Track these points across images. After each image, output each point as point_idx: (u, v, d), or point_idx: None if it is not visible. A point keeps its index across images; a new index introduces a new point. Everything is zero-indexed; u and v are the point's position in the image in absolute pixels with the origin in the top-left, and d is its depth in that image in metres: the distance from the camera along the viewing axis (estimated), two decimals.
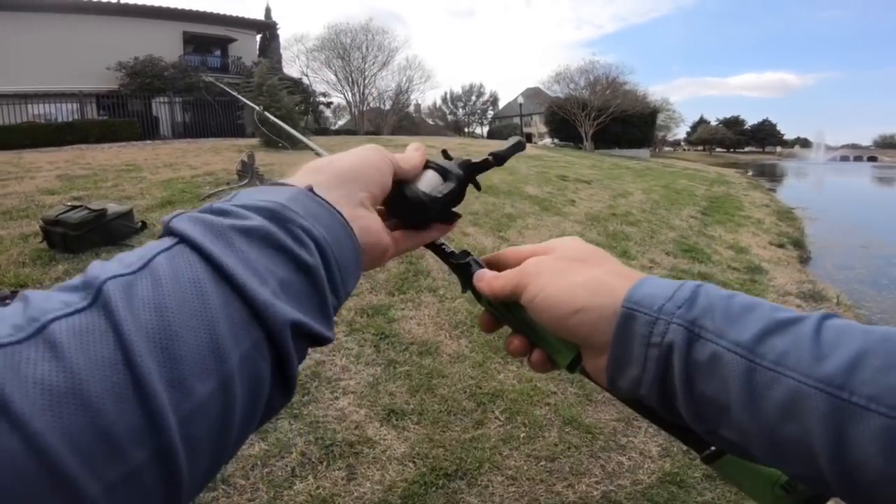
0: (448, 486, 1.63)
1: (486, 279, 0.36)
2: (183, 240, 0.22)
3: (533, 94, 38.16)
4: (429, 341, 2.47)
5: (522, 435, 1.88)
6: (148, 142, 12.63)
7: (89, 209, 3.35)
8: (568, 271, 0.32)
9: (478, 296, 0.38)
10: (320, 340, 0.24)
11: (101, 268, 0.20)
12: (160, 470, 0.18)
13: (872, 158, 63.67)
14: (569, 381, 2.21)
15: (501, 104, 45.80)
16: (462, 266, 0.39)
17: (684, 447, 1.83)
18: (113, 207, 3.54)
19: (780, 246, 5.99)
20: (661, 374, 0.26)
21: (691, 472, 1.73)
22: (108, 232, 3.41)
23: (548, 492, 1.64)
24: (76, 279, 0.20)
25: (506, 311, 0.36)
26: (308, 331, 0.23)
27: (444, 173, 0.39)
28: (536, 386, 2.18)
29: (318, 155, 0.42)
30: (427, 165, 0.39)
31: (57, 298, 0.19)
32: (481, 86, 47.88)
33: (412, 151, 0.39)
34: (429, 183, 0.38)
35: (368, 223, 0.31)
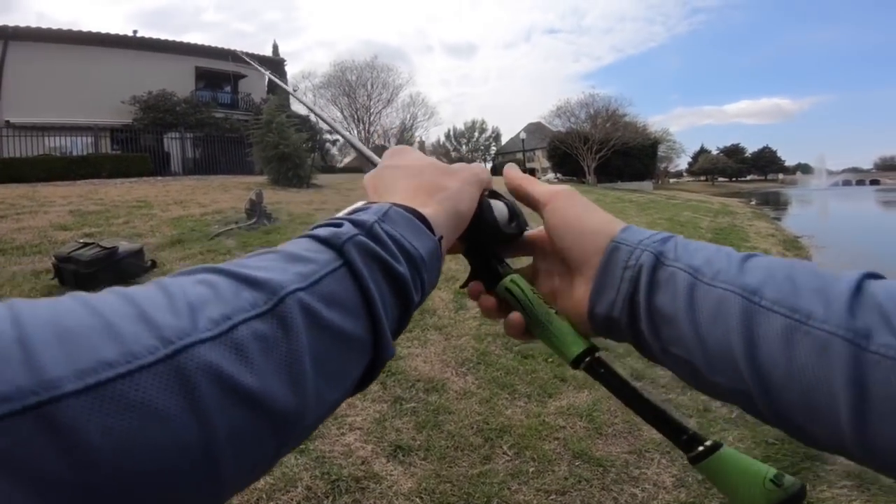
0: None
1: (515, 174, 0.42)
2: (347, 264, 0.25)
3: (535, 128, 38.80)
4: (435, 378, 2.47)
5: (531, 469, 1.85)
6: (159, 178, 12.75)
7: (101, 247, 3.42)
8: (592, 204, 0.37)
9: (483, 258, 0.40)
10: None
11: (283, 273, 0.23)
12: (278, 455, 0.21)
13: (875, 182, 63.54)
14: (578, 416, 2.19)
15: (504, 139, 46.64)
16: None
17: (699, 477, 1.78)
18: (124, 245, 3.61)
19: None
20: (631, 293, 0.31)
21: (707, 503, 1.69)
22: (119, 270, 3.46)
23: None
24: (258, 272, 0.22)
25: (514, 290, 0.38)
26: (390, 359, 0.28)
27: (512, 215, 0.41)
28: (545, 421, 2.16)
29: (372, 164, 0.44)
30: (497, 195, 0.42)
31: (244, 298, 0.21)
32: (483, 122, 48.82)
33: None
34: (500, 213, 0.40)
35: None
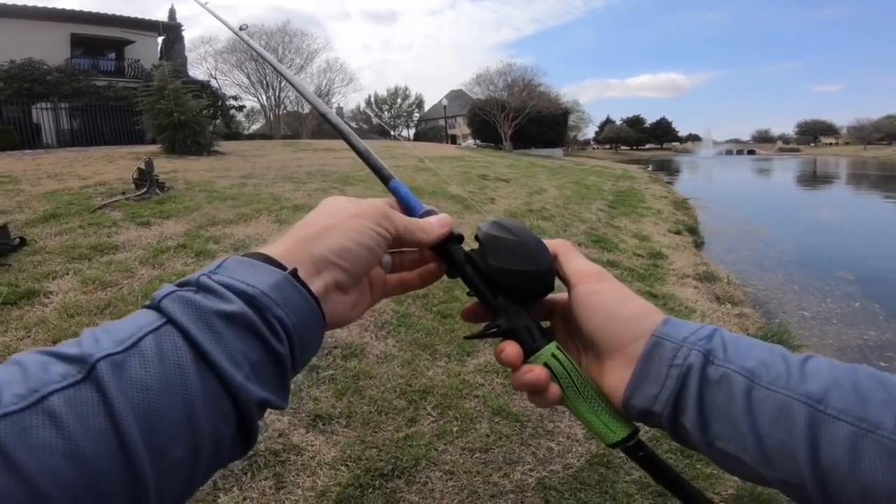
0: (386, 486, 1.60)
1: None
2: (171, 321, 0.25)
3: (456, 95, 38.71)
4: (353, 343, 2.41)
5: (455, 429, 1.89)
6: (27, 151, 11.25)
7: None
8: (626, 289, 0.37)
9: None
10: (278, 408, 0.28)
11: (95, 344, 0.23)
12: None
13: (751, 152, 72.22)
14: (494, 373, 2.26)
15: (427, 106, 45.95)
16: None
17: None
18: None
19: (678, 233, 6.56)
20: (678, 390, 0.32)
21: (617, 453, 1.79)
22: None
23: (485, 483, 1.65)
24: (70, 348, 0.23)
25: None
26: (270, 405, 0.28)
27: (551, 270, 0.38)
28: (465, 379, 2.20)
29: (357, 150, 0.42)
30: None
31: (54, 370, 0.22)
32: (406, 88, 47.32)
33: (436, 226, 0.39)
34: (549, 265, 0.38)
35: (335, 307, 0.33)
